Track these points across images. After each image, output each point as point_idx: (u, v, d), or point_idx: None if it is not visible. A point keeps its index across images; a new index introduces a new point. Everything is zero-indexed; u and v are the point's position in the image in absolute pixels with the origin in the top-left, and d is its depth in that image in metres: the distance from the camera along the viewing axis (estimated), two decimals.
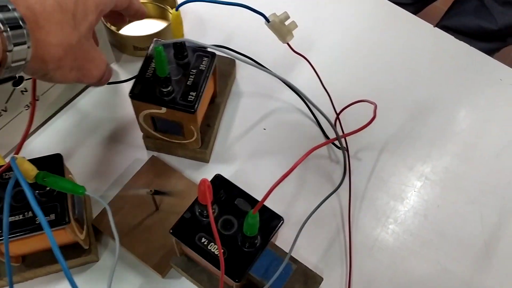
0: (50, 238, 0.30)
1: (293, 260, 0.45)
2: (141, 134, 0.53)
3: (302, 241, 0.48)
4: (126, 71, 0.61)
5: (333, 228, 0.52)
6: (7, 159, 0.49)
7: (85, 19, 0.36)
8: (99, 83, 0.41)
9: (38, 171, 0.37)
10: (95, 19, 0.37)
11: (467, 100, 0.61)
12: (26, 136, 0.38)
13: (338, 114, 0.56)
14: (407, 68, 0.63)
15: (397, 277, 0.49)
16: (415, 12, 1.28)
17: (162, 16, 0.66)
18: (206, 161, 0.55)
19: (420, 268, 0.50)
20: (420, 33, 0.67)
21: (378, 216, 0.53)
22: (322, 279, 0.46)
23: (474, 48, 0.65)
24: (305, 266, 0.47)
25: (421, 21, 0.68)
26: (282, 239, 0.50)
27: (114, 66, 0.61)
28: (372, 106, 0.48)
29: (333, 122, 0.55)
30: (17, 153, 0.36)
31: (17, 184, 0.37)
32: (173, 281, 0.48)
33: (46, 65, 0.34)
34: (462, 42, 0.66)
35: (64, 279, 0.48)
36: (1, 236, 0.38)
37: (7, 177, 0.41)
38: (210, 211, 0.34)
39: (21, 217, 0.39)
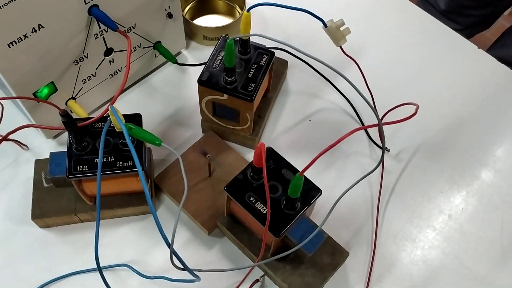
0: (141, 175, 0.37)
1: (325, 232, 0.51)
2: (199, 117, 0.61)
3: (335, 220, 0.54)
4: (193, 56, 0.69)
5: (363, 213, 0.57)
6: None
7: None
8: None
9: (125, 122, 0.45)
10: None
11: (503, 118, 0.66)
12: (121, 91, 0.46)
13: (385, 114, 0.61)
14: (448, 82, 0.68)
15: (416, 264, 0.54)
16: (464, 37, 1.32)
17: (230, 13, 0.74)
18: (254, 148, 0.62)
19: (439, 260, 0.55)
20: (464, 51, 0.72)
21: (405, 209, 0.58)
22: (348, 254, 0.52)
23: None
24: (335, 240, 0.53)
25: (467, 41, 0.73)
26: (318, 215, 0.56)
27: (184, 51, 0.70)
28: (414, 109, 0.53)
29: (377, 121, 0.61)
30: (112, 104, 0.44)
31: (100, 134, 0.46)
32: (216, 239, 0.55)
33: None
34: (503, 65, 0.70)
35: (124, 225, 0.55)
36: (90, 174, 0.47)
37: (96, 127, 0.49)
38: (265, 170, 0.40)
39: (104, 160, 0.47)
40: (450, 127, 0.64)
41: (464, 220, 0.58)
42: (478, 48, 0.72)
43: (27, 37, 0.46)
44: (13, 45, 0.45)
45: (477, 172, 0.61)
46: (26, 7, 0.44)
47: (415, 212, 0.58)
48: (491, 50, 1.32)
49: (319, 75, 0.67)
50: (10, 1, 0.42)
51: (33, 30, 0.46)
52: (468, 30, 1.29)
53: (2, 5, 0.42)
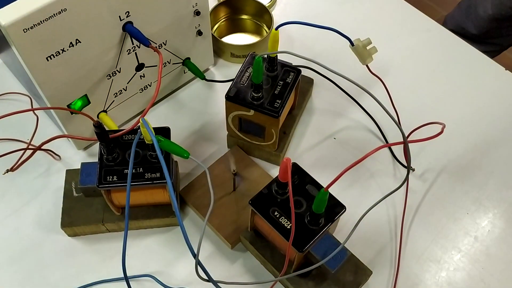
0: (169, 185, 0.38)
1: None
2: (225, 132, 0.62)
3: (358, 238, 0.54)
4: (220, 73, 0.71)
5: (387, 233, 0.57)
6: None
7: None
8: None
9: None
10: None
11: None
12: (152, 104, 0.47)
13: (410, 133, 0.61)
14: (475, 103, 0.68)
15: (440, 286, 0.54)
16: (495, 53, 1.31)
17: (258, 32, 0.76)
18: (278, 164, 0.62)
19: (464, 283, 0.54)
20: (491, 73, 0.71)
21: (430, 229, 0.57)
22: (371, 272, 0.52)
23: None
24: (358, 258, 0.53)
25: (494, 63, 0.72)
26: (341, 233, 0.56)
27: (212, 68, 0.71)
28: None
29: (402, 139, 0.61)
30: (143, 116, 0.46)
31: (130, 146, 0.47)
32: (239, 254, 0.55)
33: None
34: None
35: (149, 236, 0.56)
36: (119, 184, 0.48)
37: (126, 139, 0.51)
38: (290, 185, 0.41)
39: (133, 171, 0.49)
40: (476, 148, 0.64)
41: (490, 243, 0.57)
42: (506, 70, 0.72)
43: (65, 51, 0.48)
44: (51, 59, 0.48)
45: (503, 194, 0.60)
46: (65, 23, 0.46)
47: (440, 233, 0.57)
48: None
49: (344, 94, 0.67)
50: (50, 17, 0.44)
51: (71, 45, 0.48)
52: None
53: (43, 21, 0.44)
